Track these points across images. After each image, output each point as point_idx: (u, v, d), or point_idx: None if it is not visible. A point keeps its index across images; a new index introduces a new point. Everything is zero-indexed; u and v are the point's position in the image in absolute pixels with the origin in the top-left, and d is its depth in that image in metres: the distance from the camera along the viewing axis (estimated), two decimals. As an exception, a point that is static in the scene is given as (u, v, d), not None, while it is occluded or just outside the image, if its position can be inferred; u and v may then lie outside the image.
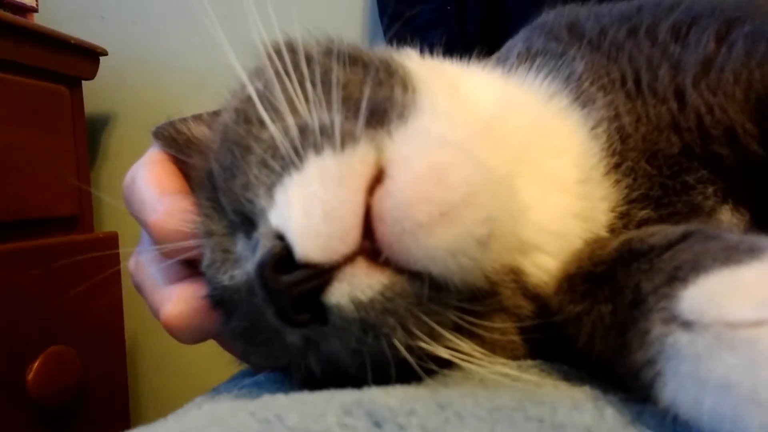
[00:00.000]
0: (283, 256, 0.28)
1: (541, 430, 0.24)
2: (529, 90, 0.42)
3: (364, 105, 0.31)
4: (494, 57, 0.50)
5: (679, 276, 0.27)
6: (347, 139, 0.29)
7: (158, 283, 0.43)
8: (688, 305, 0.26)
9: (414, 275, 0.29)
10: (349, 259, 0.28)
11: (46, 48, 1.29)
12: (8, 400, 1.08)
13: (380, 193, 0.28)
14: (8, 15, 1.24)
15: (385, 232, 0.28)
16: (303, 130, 0.31)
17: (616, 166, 0.39)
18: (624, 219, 0.39)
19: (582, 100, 0.41)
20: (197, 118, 0.49)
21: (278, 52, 0.35)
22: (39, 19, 1.39)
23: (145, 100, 1.55)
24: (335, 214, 0.27)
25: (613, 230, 0.39)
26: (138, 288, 0.47)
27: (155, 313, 0.43)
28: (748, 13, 0.41)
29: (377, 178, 0.29)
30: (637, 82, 0.41)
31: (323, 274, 0.28)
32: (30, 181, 1.23)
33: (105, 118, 1.59)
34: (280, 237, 0.29)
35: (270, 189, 0.31)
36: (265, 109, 0.32)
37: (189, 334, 0.41)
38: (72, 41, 1.33)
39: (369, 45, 1.41)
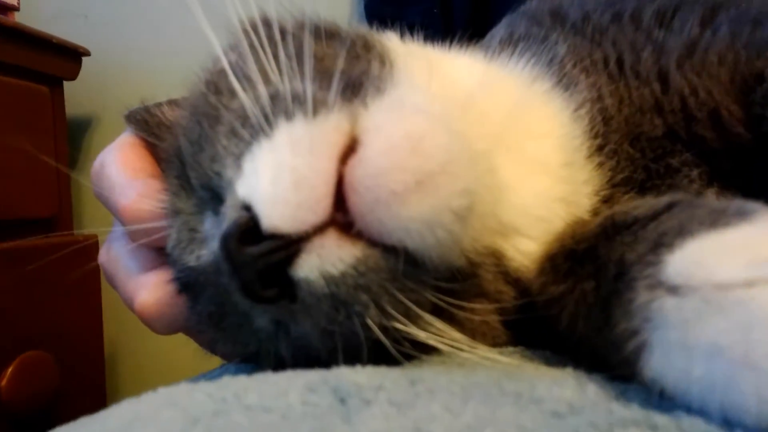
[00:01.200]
0: (249, 228, 0.26)
1: (518, 405, 0.23)
2: (511, 73, 0.42)
3: (336, 75, 0.30)
4: (477, 44, 0.49)
5: (665, 242, 0.26)
6: (320, 107, 0.28)
7: (132, 270, 0.41)
8: (674, 269, 0.24)
9: (388, 249, 0.27)
10: (319, 230, 0.26)
11: (28, 47, 1.27)
12: (-21, 406, 1.05)
13: (353, 161, 0.27)
14: (-12, 13, 1.22)
15: (357, 202, 0.26)
16: (274, 97, 0.29)
17: (599, 148, 0.38)
18: (608, 203, 0.38)
19: (564, 82, 0.40)
20: (172, 103, 0.48)
21: (254, 27, 0.34)
22: (20, 18, 1.37)
23: (127, 102, 1.52)
24: (305, 183, 0.26)
25: (596, 214, 0.38)
26: (110, 278, 0.45)
27: (129, 303, 0.41)
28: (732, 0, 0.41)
29: (351, 148, 0.27)
30: (620, 64, 0.40)
31: (291, 245, 0.26)
32: (8, 182, 1.20)
33: (86, 119, 1.57)
34: (247, 207, 0.27)
35: (238, 158, 0.29)
36: (237, 80, 0.31)
37: (165, 324, 0.39)
38: (54, 41, 1.31)
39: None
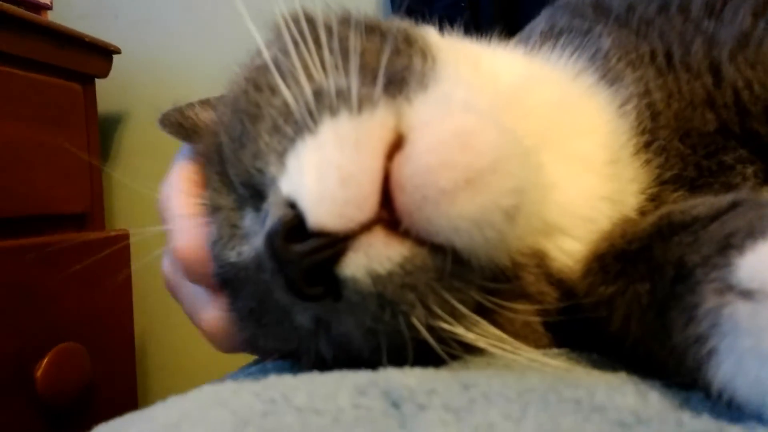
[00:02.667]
0: (294, 225, 0.26)
1: (580, 413, 0.22)
2: (553, 68, 0.40)
3: (381, 71, 0.29)
4: (516, 38, 0.48)
5: (733, 243, 0.24)
6: (365, 103, 0.28)
7: (197, 290, 0.41)
8: (746, 273, 0.23)
9: (436, 248, 0.27)
10: (365, 228, 0.26)
11: (60, 45, 1.29)
12: (17, 398, 1.07)
13: (400, 158, 0.26)
14: (23, 11, 1.24)
15: (404, 200, 0.26)
16: (318, 93, 0.29)
17: (647, 145, 0.37)
18: (655, 201, 0.37)
19: (609, 77, 0.39)
20: (204, 103, 0.48)
21: (295, 22, 0.34)
22: (53, 17, 1.39)
23: (157, 99, 1.53)
24: (352, 180, 0.25)
25: (643, 213, 0.37)
26: (174, 290, 0.45)
27: (195, 319, 0.41)
28: None
29: (396, 145, 0.27)
30: (669, 56, 0.39)
31: (338, 243, 0.26)
32: (42, 178, 1.23)
33: (117, 116, 1.59)
34: (292, 205, 0.27)
35: (281, 155, 0.29)
36: (280, 75, 0.31)
37: (229, 343, 0.39)
38: (86, 39, 1.33)
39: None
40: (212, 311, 0.39)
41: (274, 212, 0.27)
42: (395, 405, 0.23)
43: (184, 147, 0.47)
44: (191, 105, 0.48)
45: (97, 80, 1.41)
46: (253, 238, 0.32)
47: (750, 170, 0.35)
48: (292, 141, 0.28)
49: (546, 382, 0.25)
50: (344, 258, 0.26)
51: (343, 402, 0.23)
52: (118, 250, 1.42)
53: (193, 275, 0.39)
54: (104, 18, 1.55)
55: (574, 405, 0.22)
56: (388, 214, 0.26)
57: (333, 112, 0.28)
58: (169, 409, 0.25)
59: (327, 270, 0.26)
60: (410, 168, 0.26)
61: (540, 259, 0.34)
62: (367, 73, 0.30)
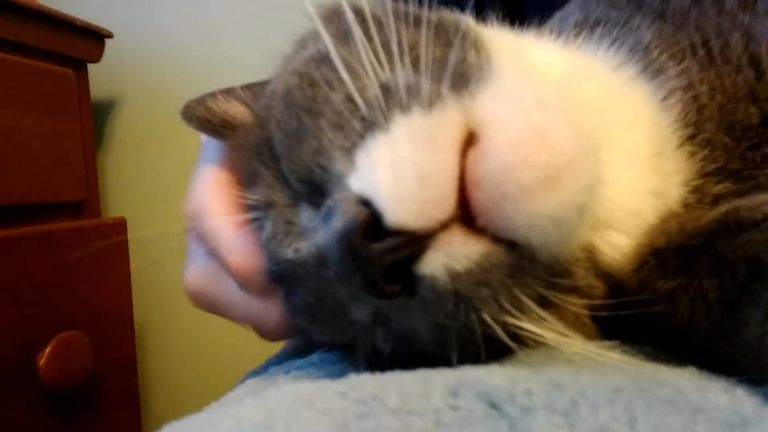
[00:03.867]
0: (369, 223, 0.26)
1: (683, 414, 0.22)
2: (594, 60, 0.41)
3: (450, 66, 0.29)
4: (546, 27, 0.48)
5: None
6: (435, 99, 0.27)
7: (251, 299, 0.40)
8: None
9: (511, 244, 0.27)
10: (444, 226, 0.26)
11: (52, 29, 1.26)
12: (20, 387, 1.06)
13: (475, 155, 0.26)
14: (14, -6, 1.21)
15: (482, 197, 0.26)
16: (386, 89, 0.28)
17: (691, 137, 0.37)
18: (698, 193, 0.37)
19: (651, 70, 0.39)
20: (228, 92, 0.45)
21: (345, 13, 0.33)
22: (44, 0, 1.36)
23: (150, 84, 1.52)
24: (430, 178, 0.25)
25: (686, 205, 0.37)
26: (212, 303, 0.43)
27: (258, 327, 0.41)
28: None
29: (468, 141, 0.27)
30: (708, 50, 0.39)
31: (417, 242, 0.26)
32: (36, 166, 1.21)
33: (110, 101, 1.56)
34: (365, 202, 0.27)
35: (349, 152, 0.29)
36: (336, 68, 0.30)
37: (280, 334, 0.40)
38: (78, 23, 1.30)
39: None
40: (274, 314, 0.38)
41: (345, 210, 0.27)
42: (494, 406, 0.23)
43: (207, 149, 0.46)
44: (213, 95, 0.46)
45: (88, 65, 1.38)
46: (312, 235, 0.32)
47: None
48: (361, 137, 0.28)
49: (627, 379, 0.25)
50: (423, 256, 0.26)
51: (439, 403, 0.23)
52: (116, 236, 1.41)
53: (251, 286, 0.38)
54: (94, 1, 1.51)
55: (672, 406, 0.23)
56: (463, 211, 0.27)
57: (404, 108, 0.27)
58: (250, 410, 0.25)
59: (404, 268, 0.26)
60: (488, 165, 0.26)
61: (590, 253, 0.34)
62: (432, 69, 0.30)
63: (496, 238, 0.27)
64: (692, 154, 0.37)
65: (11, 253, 1.10)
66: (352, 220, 0.26)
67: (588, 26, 0.43)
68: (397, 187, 0.26)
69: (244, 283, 0.38)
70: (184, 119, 0.45)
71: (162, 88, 1.51)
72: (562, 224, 0.27)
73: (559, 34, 0.44)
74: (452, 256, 0.26)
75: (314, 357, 0.40)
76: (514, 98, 0.29)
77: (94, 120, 1.42)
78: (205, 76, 1.46)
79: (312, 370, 0.37)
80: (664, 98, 0.38)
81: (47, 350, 1.10)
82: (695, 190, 0.37)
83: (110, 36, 1.39)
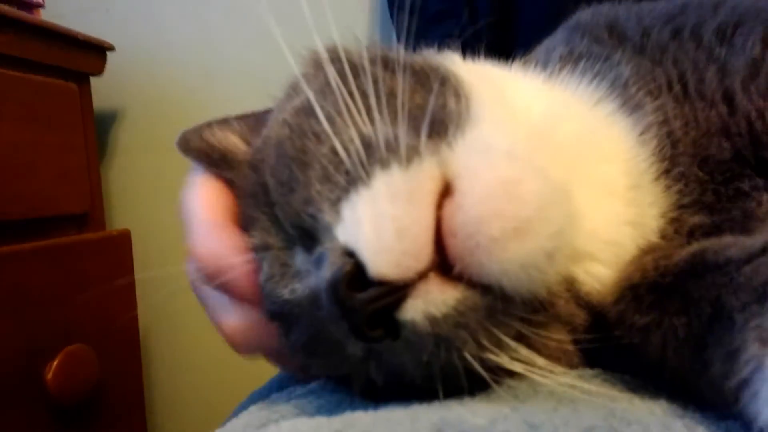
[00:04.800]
0: (354, 273, 0.28)
1: None
2: (575, 95, 0.42)
3: (427, 117, 0.31)
4: (533, 58, 0.49)
5: None
6: (412, 154, 0.29)
7: (217, 295, 0.42)
8: None
9: (485, 288, 0.29)
10: (422, 275, 0.28)
11: (54, 44, 1.28)
12: (28, 400, 1.08)
13: (450, 207, 0.28)
14: (16, 11, 1.23)
15: (457, 246, 0.28)
16: (367, 144, 0.30)
17: (667, 171, 0.39)
18: (675, 224, 0.39)
19: (629, 105, 0.40)
20: (223, 124, 0.47)
21: (333, 61, 0.35)
22: (46, 15, 1.37)
23: (152, 95, 1.54)
24: (407, 232, 0.27)
25: (664, 236, 0.39)
26: (197, 294, 0.46)
27: (216, 324, 0.43)
28: None
29: (444, 193, 0.29)
30: (684, 85, 0.40)
31: (397, 291, 0.28)
32: (41, 179, 1.22)
33: (113, 113, 1.58)
34: (350, 254, 0.28)
35: (335, 204, 0.31)
36: (326, 120, 0.32)
37: (248, 348, 0.41)
38: (80, 37, 1.32)
39: (379, 38, 1.40)
40: (232, 317, 0.41)
41: (333, 260, 0.29)
42: None
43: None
44: (209, 126, 0.48)
45: (91, 78, 1.40)
46: (306, 277, 0.34)
47: (765, 197, 0.37)
48: (345, 191, 0.30)
49: (599, 416, 0.27)
50: (404, 304, 0.28)
51: None
52: (121, 248, 1.43)
53: (212, 281, 0.40)
54: (95, 13, 1.53)
55: None
56: (441, 258, 0.28)
57: (383, 164, 0.29)
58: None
59: (387, 314, 0.28)
60: (461, 217, 0.28)
61: (570, 284, 0.36)
62: (410, 119, 0.32)
63: (472, 283, 0.29)
64: (668, 187, 0.39)
65: (17, 268, 1.12)
66: (338, 270, 0.28)
67: (572, 60, 0.44)
68: (378, 240, 0.27)
69: (206, 275, 0.40)
70: (180, 151, 0.47)
71: (164, 99, 1.53)
72: (532, 269, 0.28)
73: (544, 66, 0.45)
74: (430, 302, 0.28)
75: (314, 385, 0.41)
76: (487, 150, 0.31)
77: (96, 132, 1.43)
78: (205, 88, 1.48)
79: (312, 398, 0.39)
80: (642, 133, 0.40)
81: (54, 363, 1.12)
82: (672, 221, 0.39)
83: (112, 49, 1.41)
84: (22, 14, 1.25)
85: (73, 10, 1.49)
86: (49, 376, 1.12)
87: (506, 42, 0.84)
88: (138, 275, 1.28)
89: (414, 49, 0.42)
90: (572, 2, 0.50)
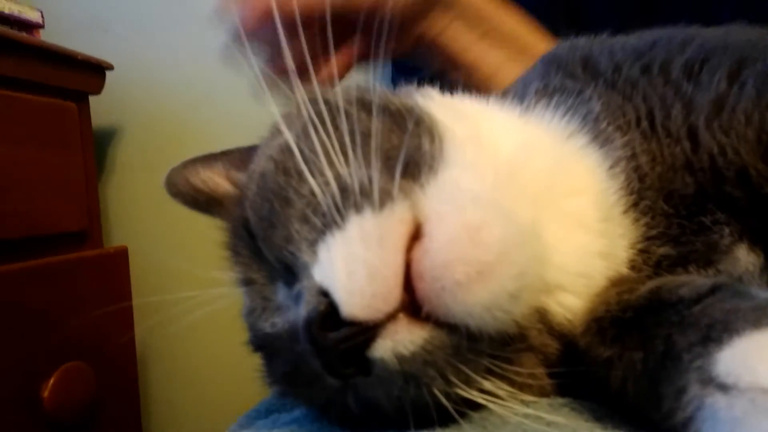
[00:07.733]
0: (328, 312, 0.29)
1: None
2: (547, 129, 0.44)
3: (401, 159, 0.32)
4: (510, 90, 0.51)
5: (713, 336, 0.28)
6: (385, 198, 0.31)
7: None
8: (724, 368, 0.27)
9: (452, 328, 0.30)
10: (391, 317, 0.30)
11: (54, 64, 1.30)
12: (25, 418, 1.09)
13: (419, 251, 0.30)
14: (15, 33, 1.25)
15: (425, 289, 0.29)
16: (342, 187, 0.32)
17: (635, 204, 0.40)
18: (643, 255, 0.40)
19: (600, 140, 0.42)
20: (208, 163, 0.49)
21: (312, 103, 0.37)
22: (45, 35, 1.40)
23: (150, 113, 1.56)
24: (378, 275, 0.29)
25: (633, 267, 0.40)
26: None
27: None
28: (760, 51, 0.42)
29: (414, 236, 0.30)
30: (651, 121, 0.42)
31: (367, 330, 0.29)
32: (39, 198, 1.24)
33: (111, 131, 1.60)
34: (324, 293, 0.30)
35: (312, 245, 0.32)
36: (304, 162, 0.34)
37: None
38: (79, 57, 1.34)
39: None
40: None
41: (309, 299, 0.30)
42: None
43: None
44: (194, 164, 0.49)
45: (90, 97, 1.42)
46: (286, 312, 0.35)
47: (726, 230, 0.39)
48: (321, 233, 0.32)
49: None
50: (374, 343, 0.30)
51: None
52: (118, 265, 1.43)
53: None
54: (94, 33, 1.55)
55: None
56: (411, 298, 0.30)
57: (357, 208, 0.31)
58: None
59: (358, 351, 0.30)
60: (428, 262, 0.29)
61: (542, 315, 0.37)
62: (383, 158, 0.34)
63: (439, 323, 0.30)
64: (636, 220, 0.40)
65: (15, 287, 1.13)
66: (314, 309, 0.30)
67: (547, 94, 0.46)
68: (350, 282, 0.29)
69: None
70: (168, 194, 0.49)
71: (162, 117, 1.55)
72: (496, 309, 0.30)
73: (521, 100, 0.47)
74: (398, 342, 0.30)
75: (297, 413, 0.43)
76: (455, 194, 0.32)
77: (95, 150, 1.45)
78: (203, 107, 1.50)
79: (295, 427, 0.40)
80: (611, 167, 0.41)
81: (51, 381, 1.13)
82: (641, 252, 0.40)
83: (110, 68, 1.43)
84: (22, 36, 1.27)
85: (72, 30, 1.52)
86: (46, 393, 1.13)
87: None
88: (136, 300, 1.29)
89: (394, 85, 0.43)
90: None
